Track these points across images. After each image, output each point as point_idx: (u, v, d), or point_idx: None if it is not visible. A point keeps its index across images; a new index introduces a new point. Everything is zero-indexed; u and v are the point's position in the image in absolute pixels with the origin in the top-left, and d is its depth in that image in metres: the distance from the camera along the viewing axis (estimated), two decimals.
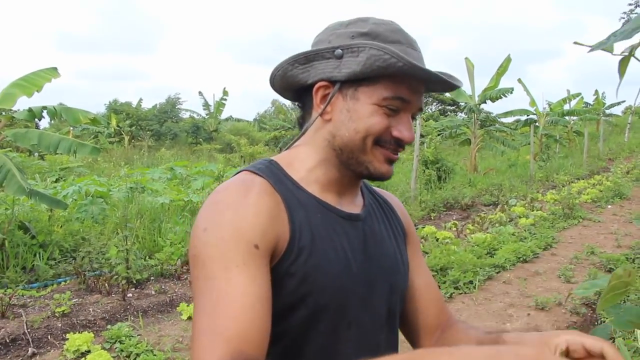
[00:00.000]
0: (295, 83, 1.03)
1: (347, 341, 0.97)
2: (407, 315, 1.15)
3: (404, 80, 0.95)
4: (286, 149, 1.08)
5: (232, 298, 0.82)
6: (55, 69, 6.75)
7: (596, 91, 28.81)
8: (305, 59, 0.99)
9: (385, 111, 0.96)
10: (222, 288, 0.83)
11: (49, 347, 4.00)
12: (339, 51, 0.95)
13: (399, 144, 0.99)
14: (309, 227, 0.95)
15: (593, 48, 0.66)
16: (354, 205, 1.07)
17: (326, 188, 1.02)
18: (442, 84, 0.99)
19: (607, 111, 29.13)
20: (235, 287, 0.83)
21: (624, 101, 28.81)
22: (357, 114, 0.96)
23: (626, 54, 0.65)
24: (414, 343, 1.16)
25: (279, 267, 0.91)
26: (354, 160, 0.99)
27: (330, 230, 0.98)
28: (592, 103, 27.70)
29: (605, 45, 0.64)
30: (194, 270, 0.88)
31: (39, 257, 5.86)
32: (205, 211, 0.92)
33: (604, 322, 4.35)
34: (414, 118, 1.02)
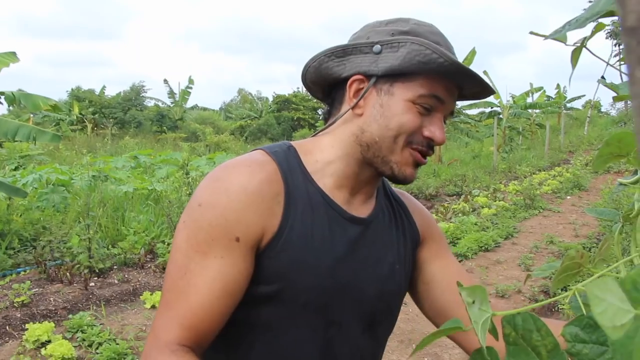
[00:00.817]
0: (328, 76, 1.01)
1: (325, 340, 0.98)
2: (449, 312, 1.10)
3: (442, 79, 0.94)
4: (312, 137, 1.07)
5: (199, 290, 0.87)
6: (13, 53, 6.55)
7: (558, 85, 29.48)
8: (343, 51, 0.97)
9: (419, 109, 0.94)
10: (195, 274, 0.88)
11: (7, 338, 3.92)
12: (377, 47, 0.94)
13: (430, 146, 0.97)
14: (303, 223, 0.94)
15: (548, 36, 0.68)
16: (364, 207, 1.05)
17: (340, 183, 1.00)
18: (477, 87, 0.97)
19: (568, 105, 29.78)
20: (206, 278, 0.87)
21: (584, 95, 29.63)
22: (390, 110, 0.94)
23: (578, 44, 0.67)
24: (463, 338, 1.08)
25: (261, 257, 0.92)
26: (380, 158, 0.97)
27: (327, 229, 0.97)
28: (553, 97, 28.33)
29: (560, 34, 0.66)
30: (178, 234, 0.92)
31: None
32: (206, 184, 0.93)
33: (561, 308, 4.49)
34: (445, 121, 1.00)
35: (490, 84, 0.97)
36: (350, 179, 1.01)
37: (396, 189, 1.19)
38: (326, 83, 1.04)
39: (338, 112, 1.02)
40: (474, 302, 0.54)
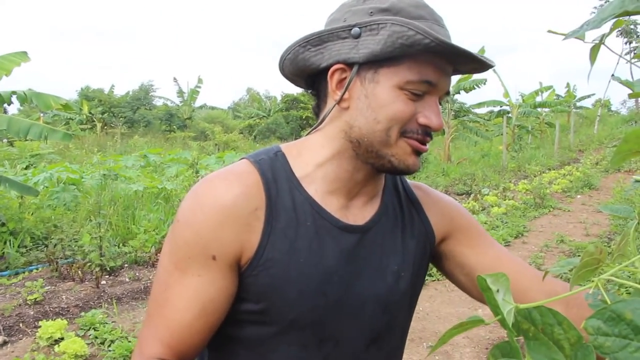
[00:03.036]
0: (307, 67, 0.92)
1: (320, 357, 0.91)
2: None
3: (431, 60, 0.84)
4: (305, 136, 0.98)
5: (178, 308, 0.85)
6: (25, 53, 6.60)
7: (568, 84, 29.30)
8: (319, 39, 0.88)
9: (409, 96, 0.85)
10: (174, 291, 0.86)
11: (20, 335, 3.95)
12: (356, 30, 0.84)
13: (427, 133, 0.88)
14: (286, 238, 0.87)
15: (566, 36, 0.68)
16: (364, 210, 0.96)
17: (332, 188, 0.92)
18: (472, 63, 0.87)
19: (578, 103, 29.63)
20: (183, 296, 0.85)
21: (594, 94, 29.37)
22: (377, 101, 0.85)
23: (597, 41, 0.68)
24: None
25: (244, 276, 0.87)
26: (374, 153, 0.88)
27: (314, 242, 0.89)
28: (563, 95, 28.18)
29: (578, 34, 0.67)
30: (164, 247, 0.90)
31: (10, 245, 5.77)
32: (187, 199, 0.89)
33: None
34: (440, 103, 0.90)
35: (487, 60, 0.87)
36: (344, 181, 0.93)
37: (412, 182, 1.09)
38: (306, 74, 0.95)
39: (325, 105, 0.94)
40: (498, 291, 0.54)
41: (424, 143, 0.89)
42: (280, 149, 0.95)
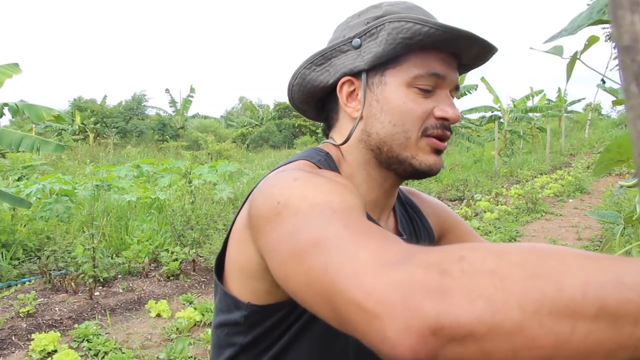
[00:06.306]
0: (315, 88, 0.91)
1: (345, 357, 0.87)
2: None
3: (434, 53, 0.83)
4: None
5: (368, 225, 0.60)
6: (16, 64, 6.60)
7: (559, 88, 29.47)
8: (322, 57, 0.88)
9: (420, 93, 0.83)
10: (354, 219, 0.62)
11: (13, 348, 3.93)
12: (356, 40, 0.84)
13: (445, 127, 0.85)
14: None
15: (546, 42, 0.71)
16: (388, 223, 0.97)
17: (368, 199, 0.90)
18: (475, 45, 0.84)
19: (569, 108, 29.81)
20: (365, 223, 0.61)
21: (584, 98, 29.62)
22: (389, 103, 0.84)
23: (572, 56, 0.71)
24: None
25: None
26: (395, 158, 0.86)
27: None
28: (554, 100, 28.34)
29: (556, 39, 0.69)
30: (276, 227, 0.67)
31: (2, 257, 5.74)
32: (274, 180, 0.75)
33: None
34: (452, 97, 0.89)
35: (489, 41, 0.85)
36: (376, 190, 0.92)
37: (404, 188, 1.09)
38: (316, 98, 0.95)
39: (337, 122, 0.94)
40: None
41: (443, 139, 0.87)
42: (328, 152, 0.92)
